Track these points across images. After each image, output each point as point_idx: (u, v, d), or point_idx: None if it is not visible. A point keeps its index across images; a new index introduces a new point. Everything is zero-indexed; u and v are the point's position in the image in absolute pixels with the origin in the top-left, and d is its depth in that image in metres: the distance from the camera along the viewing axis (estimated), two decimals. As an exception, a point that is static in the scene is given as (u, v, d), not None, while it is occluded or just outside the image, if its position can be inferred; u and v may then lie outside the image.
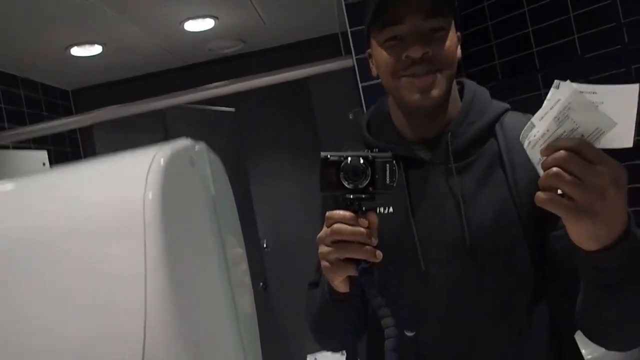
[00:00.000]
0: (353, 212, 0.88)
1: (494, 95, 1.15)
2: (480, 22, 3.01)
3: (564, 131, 0.68)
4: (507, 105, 1.14)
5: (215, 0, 2.95)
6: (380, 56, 1.05)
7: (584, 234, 0.73)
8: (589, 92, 0.65)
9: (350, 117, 2.78)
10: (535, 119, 0.72)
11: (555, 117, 0.68)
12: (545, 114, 0.70)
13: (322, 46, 3.95)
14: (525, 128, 0.76)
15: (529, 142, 0.74)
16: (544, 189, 0.71)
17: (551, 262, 1.01)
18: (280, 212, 3.90)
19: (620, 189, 0.68)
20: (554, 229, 0.98)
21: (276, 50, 4.00)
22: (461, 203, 1.01)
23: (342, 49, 4.04)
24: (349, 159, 0.87)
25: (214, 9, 3.00)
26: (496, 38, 3.01)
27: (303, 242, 2.03)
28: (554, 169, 0.68)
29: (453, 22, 1.04)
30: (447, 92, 1.05)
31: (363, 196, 0.88)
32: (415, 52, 1.00)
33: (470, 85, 1.15)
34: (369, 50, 1.12)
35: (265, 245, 4.00)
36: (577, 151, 0.67)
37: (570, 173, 0.66)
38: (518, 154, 1.01)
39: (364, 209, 0.88)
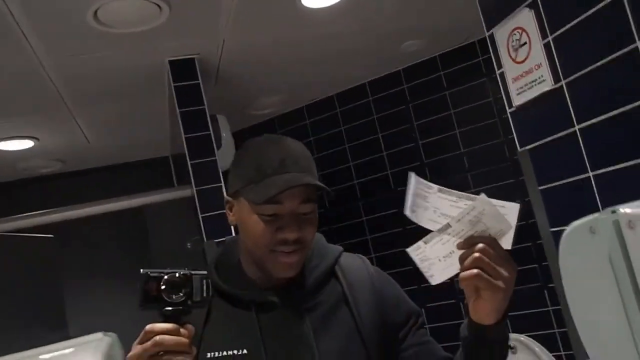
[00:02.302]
0: (173, 323, 0.93)
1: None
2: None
3: (476, 231, 0.90)
4: (341, 248, 1.29)
5: (37, 122, 2.79)
6: (252, 224, 1.08)
7: (494, 306, 0.92)
8: (500, 205, 0.88)
9: (189, 246, 2.75)
10: (451, 221, 0.92)
11: (470, 220, 0.89)
12: (462, 217, 0.90)
13: (152, 168, 3.92)
14: (431, 233, 0.95)
15: (439, 239, 0.94)
16: (465, 270, 0.90)
17: None
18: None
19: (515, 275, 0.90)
20: (401, 344, 1.13)
21: (99, 170, 3.84)
22: (312, 341, 1.09)
23: (172, 173, 4.05)
24: (168, 274, 0.94)
25: (35, 130, 2.83)
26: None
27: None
28: (476, 254, 0.88)
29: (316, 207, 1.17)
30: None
31: (182, 308, 0.95)
32: (292, 235, 1.08)
33: None
34: (230, 199, 1.16)
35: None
36: (491, 245, 0.89)
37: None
38: (359, 291, 1.15)
39: (182, 321, 0.94)
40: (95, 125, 3.01)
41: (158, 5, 1.94)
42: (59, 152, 3.31)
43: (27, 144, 2.92)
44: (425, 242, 0.96)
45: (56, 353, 0.73)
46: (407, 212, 0.97)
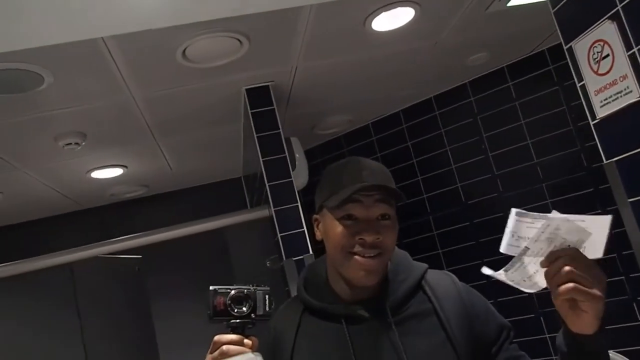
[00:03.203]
0: (239, 334, 1.03)
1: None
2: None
3: (555, 246, 0.90)
4: (426, 265, 1.33)
5: (126, 152, 3.01)
6: (333, 230, 1.14)
7: (594, 314, 0.91)
8: (579, 220, 0.88)
9: (268, 264, 2.85)
10: (529, 243, 0.92)
11: (547, 238, 0.89)
12: (538, 237, 0.90)
13: (225, 189, 4.09)
14: (512, 260, 0.94)
15: (521, 264, 0.94)
16: (557, 286, 0.89)
17: None
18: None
19: (606, 280, 0.89)
20: (494, 358, 1.14)
21: (178, 193, 4.05)
22: (403, 353, 1.12)
23: (245, 191, 4.21)
24: (234, 290, 1.04)
25: (124, 159, 3.04)
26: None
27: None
28: (566, 268, 0.87)
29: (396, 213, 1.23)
30: (385, 270, 1.21)
31: (246, 321, 1.05)
32: (369, 237, 1.12)
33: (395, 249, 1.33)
34: (316, 216, 1.24)
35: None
36: (575, 256, 0.88)
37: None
38: (448, 304, 1.17)
39: (247, 333, 1.03)
40: (177, 152, 3.20)
41: (239, 40, 2.07)
42: (144, 179, 3.54)
43: (117, 171, 3.15)
44: (506, 271, 0.96)
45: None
46: (502, 249, 0.96)
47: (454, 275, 1.26)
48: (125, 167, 3.16)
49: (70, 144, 2.60)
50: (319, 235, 1.23)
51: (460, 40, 2.61)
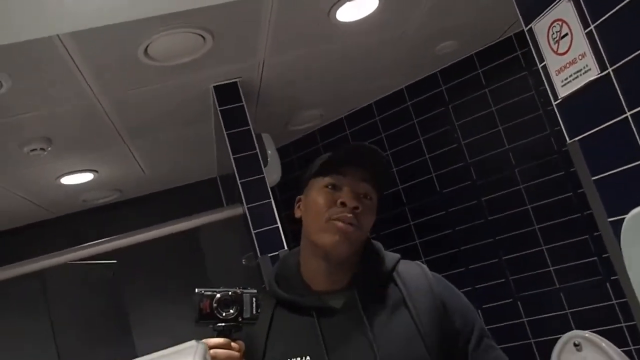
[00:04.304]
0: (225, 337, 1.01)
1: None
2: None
3: None
4: (398, 256, 1.32)
5: (96, 156, 2.95)
6: (316, 198, 1.17)
7: None
8: None
9: (244, 262, 2.83)
10: None
11: None
12: None
13: (201, 190, 4.04)
14: None
15: None
16: None
17: None
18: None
19: None
20: (468, 345, 1.14)
21: (153, 196, 3.99)
22: (374, 345, 1.11)
23: (221, 191, 4.17)
24: (221, 293, 1.02)
25: (94, 164, 2.98)
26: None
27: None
28: None
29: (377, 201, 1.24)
30: (357, 251, 1.20)
31: (233, 324, 1.03)
32: (350, 201, 1.14)
33: (367, 239, 1.32)
34: (300, 196, 1.26)
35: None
36: None
37: None
38: (419, 296, 1.17)
39: (233, 336, 1.02)
40: (149, 154, 3.15)
41: (202, 36, 2.04)
42: (117, 183, 3.48)
43: (87, 177, 3.09)
44: None
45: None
46: None
47: (425, 267, 1.26)
48: (96, 171, 3.10)
49: (36, 149, 2.54)
50: (298, 213, 1.25)
51: (427, 29, 2.61)
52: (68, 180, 3.06)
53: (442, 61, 3.16)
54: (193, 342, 0.95)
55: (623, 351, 2.24)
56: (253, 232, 2.51)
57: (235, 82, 2.59)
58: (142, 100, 2.49)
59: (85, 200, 3.59)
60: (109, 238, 2.63)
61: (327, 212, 1.14)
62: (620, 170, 1.38)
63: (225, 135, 2.56)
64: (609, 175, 1.42)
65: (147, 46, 2.00)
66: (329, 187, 1.16)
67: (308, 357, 1.14)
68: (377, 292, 1.19)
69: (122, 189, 3.65)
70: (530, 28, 1.55)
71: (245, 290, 1.04)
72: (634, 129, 1.30)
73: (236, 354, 0.99)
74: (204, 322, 1.02)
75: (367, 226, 1.19)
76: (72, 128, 2.56)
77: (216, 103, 2.58)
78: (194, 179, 4.03)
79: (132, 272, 3.58)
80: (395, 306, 1.18)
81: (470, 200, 3.17)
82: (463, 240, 3.16)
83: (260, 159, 2.57)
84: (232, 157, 2.57)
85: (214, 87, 2.57)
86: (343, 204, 1.13)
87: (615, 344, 2.22)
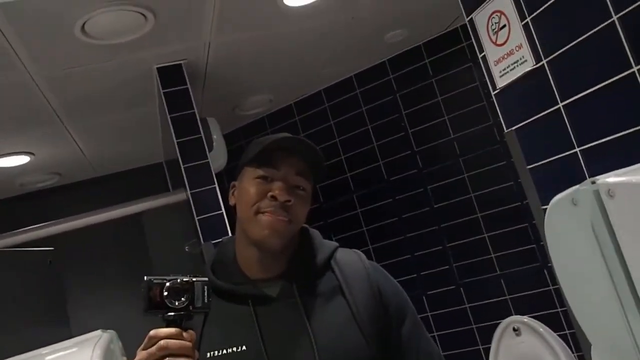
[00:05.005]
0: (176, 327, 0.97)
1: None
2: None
3: None
4: (337, 244, 1.33)
5: (30, 137, 2.81)
6: (247, 189, 1.15)
7: None
8: None
9: (187, 249, 2.78)
10: None
11: None
12: None
13: (146, 175, 3.93)
14: None
15: None
16: None
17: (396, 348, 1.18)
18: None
19: None
20: (401, 331, 1.17)
21: (96, 181, 3.85)
22: (311, 333, 1.12)
23: (167, 177, 4.07)
24: (171, 281, 0.98)
25: (30, 145, 2.84)
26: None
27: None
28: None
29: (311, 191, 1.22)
30: (290, 242, 1.19)
31: (184, 313, 0.99)
32: (281, 195, 1.12)
33: (304, 228, 1.32)
34: (234, 182, 1.23)
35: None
36: None
37: None
38: (355, 283, 1.18)
39: (184, 326, 0.98)
40: (89, 136, 3.03)
41: (143, 15, 1.96)
42: (55, 166, 3.33)
43: (23, 159, 2.94)
44: None
45: (61, 353, 0.77)
46: None
47: (362, 254, 1.27)
48: (32, 154, 2.95)
49: (-37, 129, 2.39)
50: (232, 200, 1.22)
51: (377, 16, 2.62)
52: (2, 162, 2.90)
53: (391, 50, 3.18)
54: (98, 332, 0.91)
55: (559, 335, 2.34)
56: (196, 218, 2.46)
57: (180, 64, 2.51)
58: (80, 79, 2.37)
59: (22, 184, 3.42)
60: (46, 223, 2.53)
61: (256, 204, 1.12)
62: (553, 160, 1.43)
63: (169, 119, 2.49)
64: (542, 164, 1.47)
65: (85, 23, 1.90)
66: (261, 177, 1.14)
67: (244, 347, 1.13)
68: (313, 280, 1.19)
69: (61, 173, 3.50)
70: (472, 19, 1.57)
71: (196, 279, 1.00)
72: (566, 120, 1.35)
73: (188, 343, 0.95)
74: (153, 312, 0.98)
75: (300, 217, 1.18)
76: (4, 106, 2.42)
77: (159, 85, 2.50)
78: (140, 164, 3.91)
79: (72, 259, 3.45)
80: (332, 294, 1.18)
81: (416, 189, 3.22)
82: (409, 228, 3.22)
83: (205, 143, 2.52)
84: (175, 141, 2.51)
85: (157, 68, 2.48)
86: (274, 198, 1.11)
87: (552, 328, 2.32)
